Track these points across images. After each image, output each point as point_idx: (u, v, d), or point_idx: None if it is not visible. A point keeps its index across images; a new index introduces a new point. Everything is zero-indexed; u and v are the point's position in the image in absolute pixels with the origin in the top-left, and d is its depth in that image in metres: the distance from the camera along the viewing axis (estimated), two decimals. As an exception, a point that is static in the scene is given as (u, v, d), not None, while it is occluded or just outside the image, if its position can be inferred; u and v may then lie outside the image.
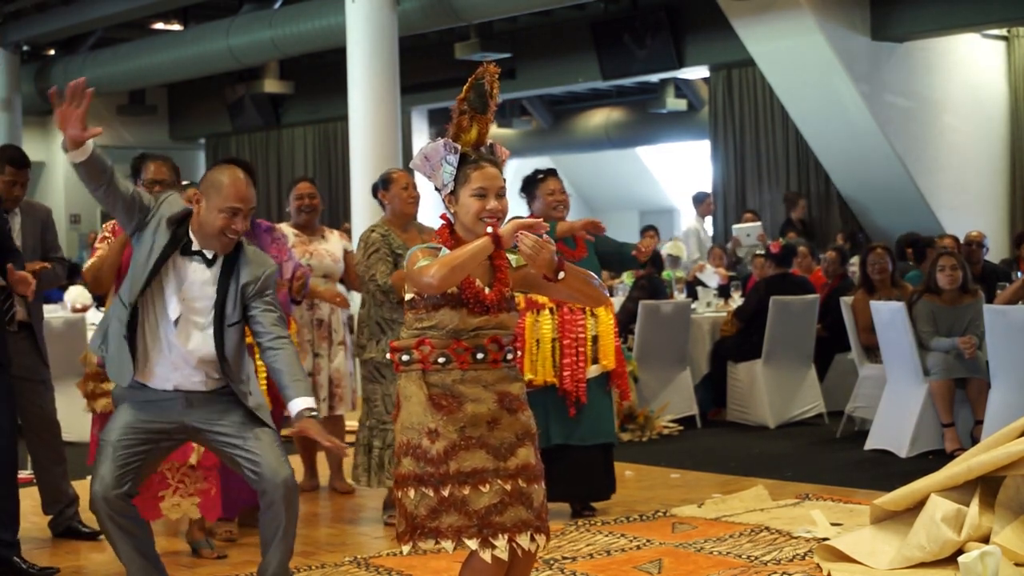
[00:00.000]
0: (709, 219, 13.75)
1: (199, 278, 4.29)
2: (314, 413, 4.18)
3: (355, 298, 7.63)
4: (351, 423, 7.94)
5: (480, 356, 3.58)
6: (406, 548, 3.54)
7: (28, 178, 6.00)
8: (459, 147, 3.60)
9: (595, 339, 6.13)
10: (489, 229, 3.52)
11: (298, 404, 4.18)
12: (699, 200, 13.49)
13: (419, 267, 3.51)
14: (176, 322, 4.26)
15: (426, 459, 3.53)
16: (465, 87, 3.63)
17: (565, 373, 6.03)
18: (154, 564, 4.36)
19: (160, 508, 5.33)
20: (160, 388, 4.31)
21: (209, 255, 4.28)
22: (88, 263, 5.46)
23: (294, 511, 4.29)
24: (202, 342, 4.27)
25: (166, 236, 4.24)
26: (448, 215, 3.67)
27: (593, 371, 6.12)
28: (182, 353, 4.27)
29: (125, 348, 4.24)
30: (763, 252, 11.14)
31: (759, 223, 12.68)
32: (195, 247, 4.27)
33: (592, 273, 3.76)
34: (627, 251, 6.39)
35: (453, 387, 3.57)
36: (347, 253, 6.89)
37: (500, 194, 3.61)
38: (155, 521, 5.36)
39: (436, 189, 3.67)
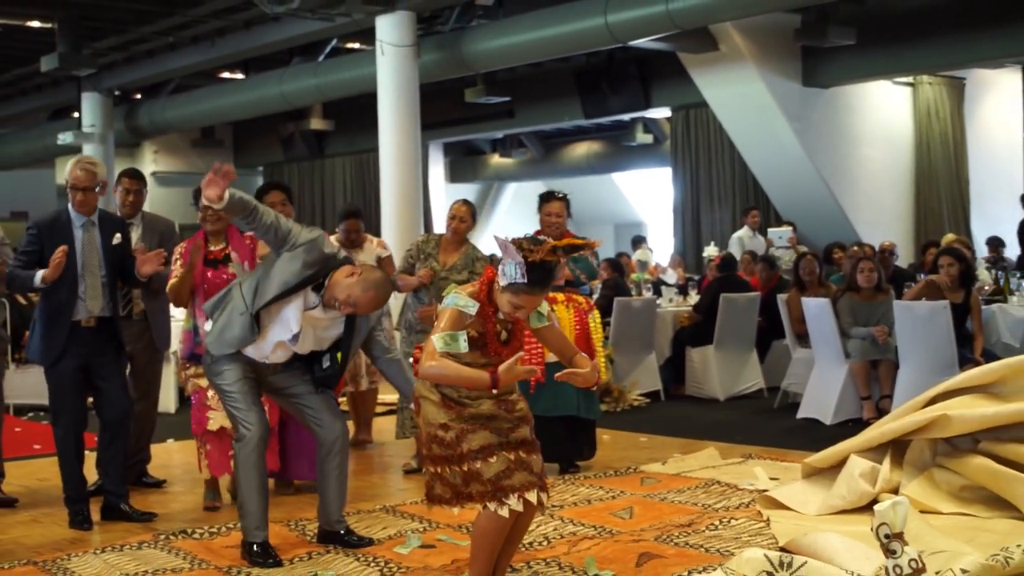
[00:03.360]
0: (744, 228, 12.93)
1: (322, 313, 4.35)
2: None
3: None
4: (387, 396, 7.96)
5: None
6: (456, 510, 3.65)
7: (141, 189, 5.87)
8: (527, 275, 3.46)
9: None
10: (494, 390, 3.51)
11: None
12: (744, 213, 13.17)
13: (433, 342, 3.49)
14: (296, 335, 4.34)
15: (444, 445, 3.59)
16: (571, 242, 3.59)
17: (525, 356, 5.89)
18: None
19: (231, 465, 5.29)
20: (255, 358, 4.41)
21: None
22: (170, 283, 5.31)
23: (347, 455, 4.61)
24: (311, 347, 4.42)
25: (305, 273, 4.27)
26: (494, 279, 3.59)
27: (552, 357, 5.97)
28: (285, 345, 4.38)
29: (237, 329, 4.32)
30: (713, 259, 11.14)
31: (790, 228, 12.41)
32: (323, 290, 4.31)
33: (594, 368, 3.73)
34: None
35: (460, 399, 3.61)
36: (379, 260, 6.52)
37: (533, 309, 3.59)
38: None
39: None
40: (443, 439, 3.58)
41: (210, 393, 5.23)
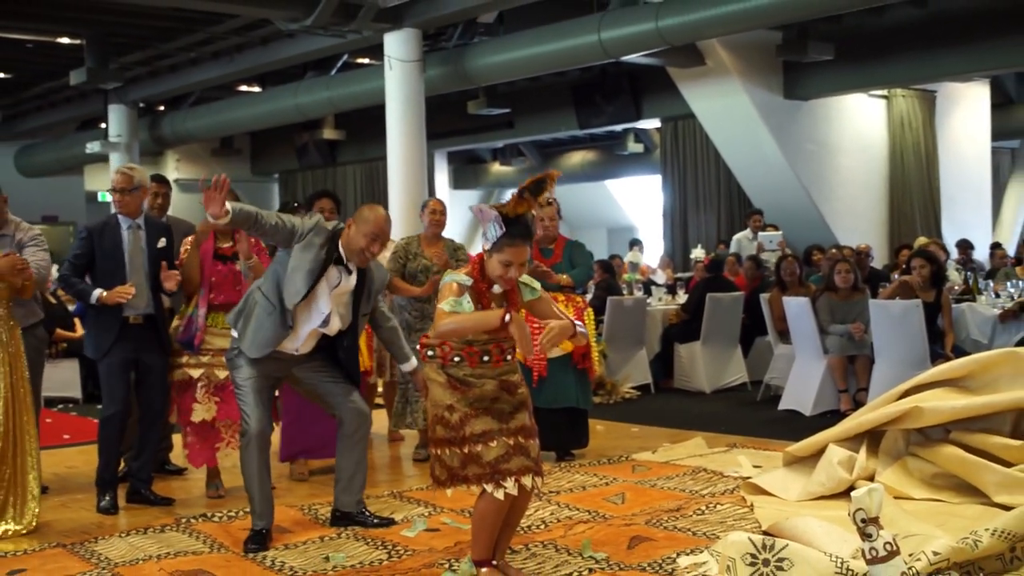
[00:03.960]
0: (748, 231, 12.65)
1: (346, 284, 4.38)
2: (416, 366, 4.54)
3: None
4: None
5: (486, 358, 3.62)
6: (449, 491, 3.62)
7: (167, 193, 5.92)
8: (505, 227, 3.50)
9: None
10: (507, 317, 3.47)
11: (410, 364, 4.59)
12: (747, 216, 13.02)
13: (441, 308, 3.51)
14: (327, 317, 4.36)
15: (448, 426, 3.59)
16: (532, 179, 3.55)
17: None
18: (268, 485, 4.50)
19: (216, 457, 5.30)
20: (288, 351, 4.42)
21: (352, 267, 4.37)
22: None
23: (367, 440, 4.65)
24: (339, 325, 4.42)
25: (321, 254, 4.30)
26: (484, 255, 3.62)
27: (553, 352, 5.90)
28: (316, 331, 4.39)
29: (269, 330, 4.32)
30: (701, 260, 11.13)
31: (780, 232, 12.27)
32: (345, 260, 4.34)
33: (583, 329, 3.65)
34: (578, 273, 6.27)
35: (464, 378, 3.61)
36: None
37: (521, 263, 3.57)
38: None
39: (483, 235, 3.61)
40: (448, 420, 3.59)
41: (200, 384, 5.21)
